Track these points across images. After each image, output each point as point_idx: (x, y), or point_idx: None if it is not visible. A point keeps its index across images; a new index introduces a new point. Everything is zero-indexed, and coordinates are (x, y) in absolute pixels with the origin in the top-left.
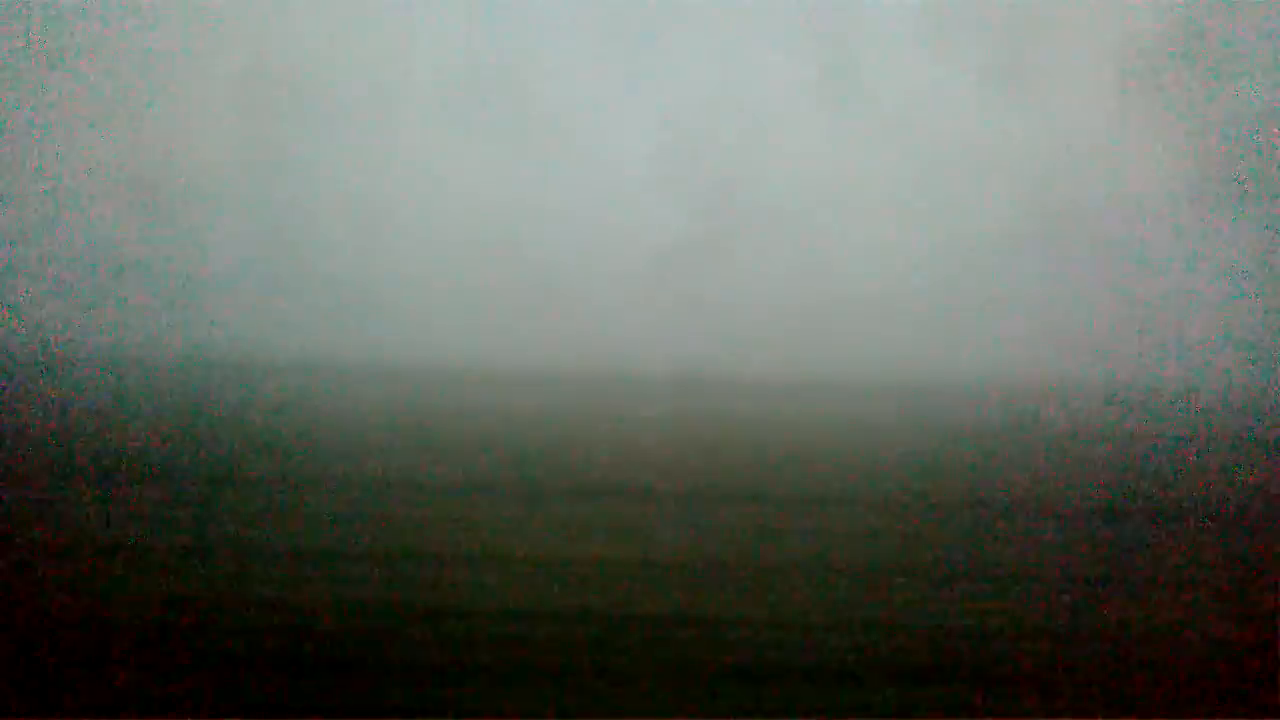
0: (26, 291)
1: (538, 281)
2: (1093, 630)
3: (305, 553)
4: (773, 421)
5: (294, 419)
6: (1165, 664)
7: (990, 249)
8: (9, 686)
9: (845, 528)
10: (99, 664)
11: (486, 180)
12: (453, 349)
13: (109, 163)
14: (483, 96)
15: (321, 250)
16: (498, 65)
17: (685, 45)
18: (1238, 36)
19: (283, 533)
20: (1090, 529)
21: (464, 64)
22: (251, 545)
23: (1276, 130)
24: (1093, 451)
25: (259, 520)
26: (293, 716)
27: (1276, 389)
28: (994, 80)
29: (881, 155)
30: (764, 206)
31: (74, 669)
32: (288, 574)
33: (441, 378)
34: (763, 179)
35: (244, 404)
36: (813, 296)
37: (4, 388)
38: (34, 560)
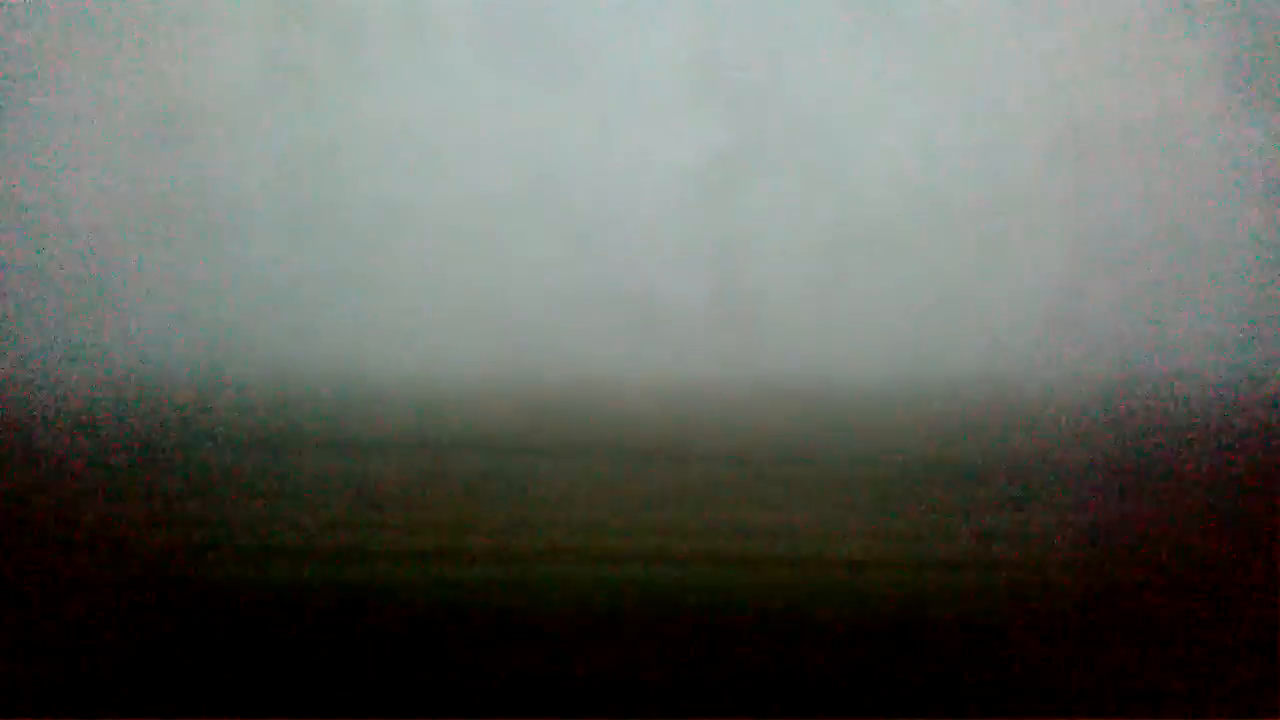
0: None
1: (569, 210)
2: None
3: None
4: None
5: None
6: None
7: (1022, 169)
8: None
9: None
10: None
11: (516, 102)
12: (472, 303)
13: (129, 89)
14: (511, 16)
15: (344, 182)
16: None
17: None
18: None
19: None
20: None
21: None
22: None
23: None
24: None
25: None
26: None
27: None
28: None
29: (913, 72)
30: (793, 126)
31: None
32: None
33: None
34: (793, 98)
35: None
36: (835, 234)
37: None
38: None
